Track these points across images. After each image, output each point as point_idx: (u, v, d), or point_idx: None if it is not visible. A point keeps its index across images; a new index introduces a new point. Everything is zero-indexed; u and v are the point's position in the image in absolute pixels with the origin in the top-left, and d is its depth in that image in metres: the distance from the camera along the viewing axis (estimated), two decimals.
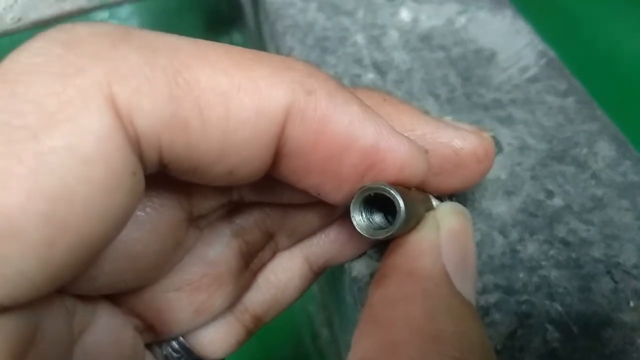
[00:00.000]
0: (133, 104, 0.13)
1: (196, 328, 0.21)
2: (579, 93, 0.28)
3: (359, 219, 0.17)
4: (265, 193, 0.20)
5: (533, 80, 0.29)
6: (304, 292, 0.23)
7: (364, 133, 0.16)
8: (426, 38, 0.32)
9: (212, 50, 0.14)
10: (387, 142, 0.16)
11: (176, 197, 0.18)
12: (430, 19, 0.33)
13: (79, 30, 0.14)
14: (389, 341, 0.14)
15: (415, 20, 0.33)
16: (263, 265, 0.22)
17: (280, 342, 0.49)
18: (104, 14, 0.76)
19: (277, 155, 0.16)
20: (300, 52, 0.32)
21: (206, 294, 0.20)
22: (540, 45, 0.31)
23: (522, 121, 0.27)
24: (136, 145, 0.13)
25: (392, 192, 0.16)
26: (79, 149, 0.12)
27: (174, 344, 0.21)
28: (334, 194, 0.17)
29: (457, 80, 0.30)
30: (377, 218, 0.18)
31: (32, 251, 0.12)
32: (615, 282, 0.22)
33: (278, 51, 0.34)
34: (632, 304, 0.21)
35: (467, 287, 0.17)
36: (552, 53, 0.31)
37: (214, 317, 0.21)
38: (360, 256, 0.24)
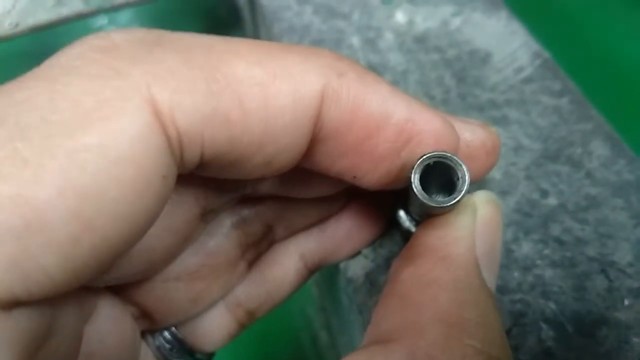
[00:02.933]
0: (174, 104, 0.13)
1: (192, 317, 0.21)
2: (573, 93, 0.28)
3: (419, 188, 0.16)
4: (279, 186, 0.20)
5: (528, 80, 0.29)
6: (297, 288, 0.23)
7: (397, 109, 0.16)
8: (421, 40, 0.32)
9: (243, 45, 0.15)
10: (421, 115, 0.17)
11: (193, 194, 0.18)
12: (425, 20, 0.33)
13: (115, 36, 0.14)
14: (415, 322, 0.15)
15: (410, 22, 0.33)
16: (258, 256, 0.22)
17: (280, 347, 0.49)
18: (102, 20, 0.77)
19: (313, 140, 0.16)
20: None
21: (204, 284, 0.20)
22: (535, 46, 0.31)
23: (517, 121, 0.27)
24: (178, 145, 0.14)
25: (455, 158, 0.16)
26: (112, 148, 0.12)
27: (167, 334, 0.21)
28: (370, 175, 0.17)
29: (452, 81, 0.30)
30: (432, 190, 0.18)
31: (56, 247, 0.12)
32: (610, 281, 0.22)
33: None
34: (627, 302, 0.21)
35: (491, 279, 0.17)
36: (546, 54, 0.31)
37: (210, 307, 0.21)
38: (354, 256, 0.24)
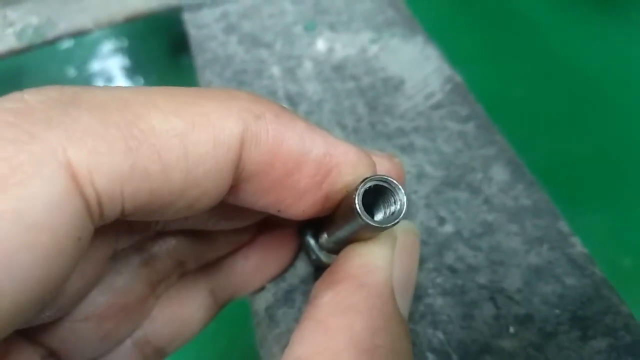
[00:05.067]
0: (91, 165, 0.13)
1: (101, 354, 0.21)
2: (479, 118, 0.29)
3: (362, 210, 0.16)
4: (192, 221, 0.20)
5: (437, 106, 0.30)
6: (207, 324, 0.24)
7: (315, 145, 0.17)
8: (339, 68, 0.33)
9: (159, 95, 0.15)
10: (337, 148, 0.17)
11: (105, 237, 0.18)
12: (344, 48, 0.34)
13: (28, 98, 0.14)
14: (329, 348, 0.15)
15: (330, 50, 0.34)
16: (167, 289, 0.23)
17: None
18: (68, 42, 0.78)
19: (236, 179, 0.16)
20: (218, 84, 0.33)
21: (113, 322, 0.21)
22: (448, 71, 0.32)
23: (422, 149, 0.28)
24: (96, 205, 0.14)
25: (394, 182, 0.17)
26: (26, 215, 0.12)
27: None
28: (295, 208, 0.18)
29: (364, 110, 0.30)
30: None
31: None
32: (498, 308, 0.23)
33: (198, 85, 0.35)
34: (512, 329, 0.22)
35: (405, 305, 0.18)
36: (458, 78, 0.31)
37: (118, 344, 0.22)
38: (261, 290, 0.25)
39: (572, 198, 0.53)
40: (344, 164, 0.17)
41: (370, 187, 0.16)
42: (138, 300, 0.21)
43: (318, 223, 0.22)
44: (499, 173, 0.27)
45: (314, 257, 0.23)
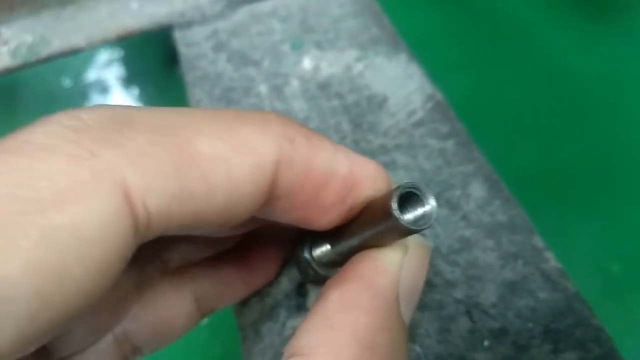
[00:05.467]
0: (145, 186, 0.14)
1: (84, 348, 0.22)
2: (459, 135, 0.30)
3: (399, 214, 0.18)
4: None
5: (418, 124, 0.31)
6: (187, 330, 0.25)
7: (340, 163, 0.18)
8: (324, 86, 0.34)
9: (204, 121, 0.16)
10: (359, 164, 0.19)
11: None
12: (330, 66, 0.35)
13: (84, 117, 0.15)
14: (333, 341, 0.17)
15: (316, 68, 0.35)
16: (152, 288, 0.23)
17: None
18: None
19: (268, 199, 0.18)
20: (207, 103, 0.34)
21: (101, 318, 0.21)
22: (429, 89, 0.33)
23: (404, 166, 0.29)
24: (145, 225, 0.14)
25: (424, 190, 0.18)
26: (82, 229, 0.13)
27: None
28: (320, 221, 0.19)
29: (348, 127, 0.31)
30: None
31: (13, 321, 0.12)
32: (473, 322, 0.23)
33: (188, 101, 0.36)
34: (486, 343, 0.23)
35: (407, 314, 0.19)
36: (439, 96, 0.32)
37: (101, 337, 0.22)
38: (245, 303, 0.25)
39: (561, 204, 0.53)
40: (365, 178, 0.19)
41: (403, 193, 0.18)
42: (123, 296, 0.22)
43: (314, 237, 0.23)
44: (477, 190, 0.28)
45: (311, 271, 0.24)
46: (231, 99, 0.34)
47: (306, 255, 0.23)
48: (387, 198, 0.18)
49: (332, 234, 0.21)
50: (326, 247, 0.22)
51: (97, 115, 0.15)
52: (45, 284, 0.13)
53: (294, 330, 0.24)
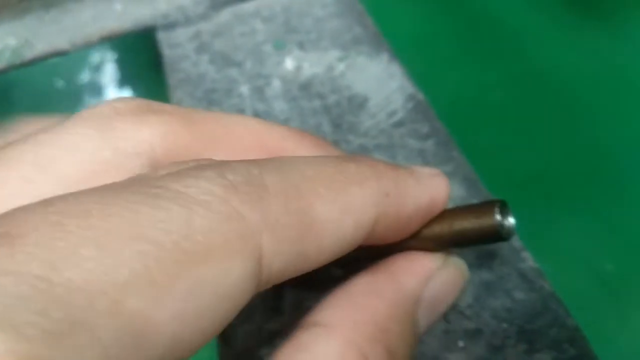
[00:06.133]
0: (275, 251, 0.15)
1: None
2: (439, 135, 0.30)
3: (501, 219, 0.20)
4: None
5: (398, 124, 0.31)
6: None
7: (424, 196, 0.20)
8: (306, 86, 0.34)
9: (320, 183, 0.17)
10: (436, 189, 0.21)
11: None
12: (312, 66, 0.35)
13: (231, 177, 0.15)
14: (353, 318, 0.18)
15: (298, 68, 0.35)
16: None
17: None
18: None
19: None
20: (189, 103, 0.34)
21: None
22: (410, 89, 0.33)
23: None
24: (264, 285, 0.16)
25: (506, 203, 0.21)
26: (222, 285, 0.14)
27: None
28: (396, 239, 0.21)
29: (329, 128, 0.31)
30: None
31: None
32: (448, 323, 0.23)
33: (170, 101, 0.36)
34: (461, 344, 0.23)
35: (424, 322, 0.21)
36: (420, 96, 0.32)
37: None
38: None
39: (554, 202, 0.53)
40: (439, 202, 0.21)
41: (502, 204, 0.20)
42: None
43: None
44: (456, 189, 0.28)
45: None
46: (212, 100, 0.34)
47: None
48: (478, 206, 0.21)
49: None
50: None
51: (240, 176, 0.16)
52: (183, 333, 0.13)
53: (270, 333, 0.24)
